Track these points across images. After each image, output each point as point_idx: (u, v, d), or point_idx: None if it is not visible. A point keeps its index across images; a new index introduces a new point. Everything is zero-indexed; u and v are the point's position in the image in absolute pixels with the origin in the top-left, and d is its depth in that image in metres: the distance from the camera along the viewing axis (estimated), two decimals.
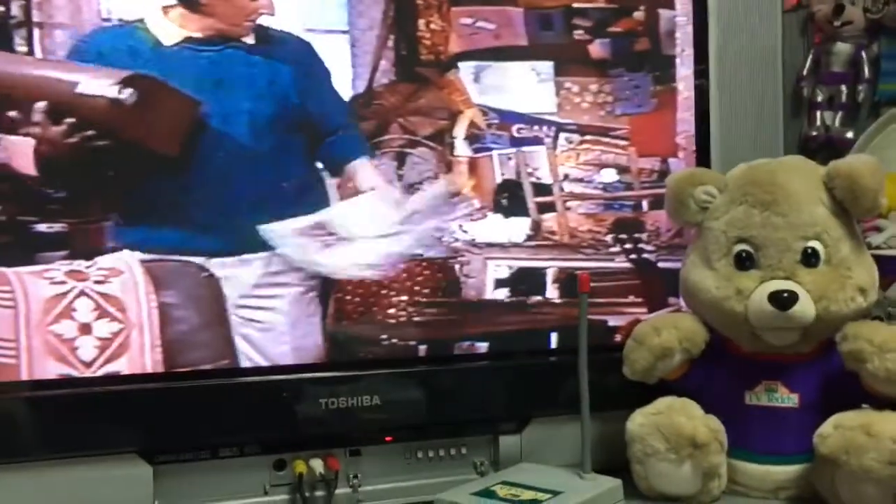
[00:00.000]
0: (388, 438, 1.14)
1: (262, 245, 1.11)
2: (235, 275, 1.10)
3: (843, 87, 1.46)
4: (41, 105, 1.03)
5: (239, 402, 1.10)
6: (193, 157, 1.08)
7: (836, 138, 1.46)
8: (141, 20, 1.06)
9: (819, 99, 1.47)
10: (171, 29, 1.07)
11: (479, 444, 1.16)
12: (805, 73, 1.48)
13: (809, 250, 0.99)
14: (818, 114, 1.48)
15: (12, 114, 1.03)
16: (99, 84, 1.04)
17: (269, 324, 1.12)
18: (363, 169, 1.14)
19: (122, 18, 1.06)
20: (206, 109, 1.07)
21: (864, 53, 1.45)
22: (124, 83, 1.05)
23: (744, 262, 1.01)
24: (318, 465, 1.10)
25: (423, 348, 1.17)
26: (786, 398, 1.02)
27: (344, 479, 1.11)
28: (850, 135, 1.44)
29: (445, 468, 1.15)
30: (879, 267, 1.04)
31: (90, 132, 1.05)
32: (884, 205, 1.03)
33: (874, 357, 0.94)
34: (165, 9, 1.07)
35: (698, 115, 1.21)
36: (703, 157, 1.21)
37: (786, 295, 0.96)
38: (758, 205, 1.00)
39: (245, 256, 1.11)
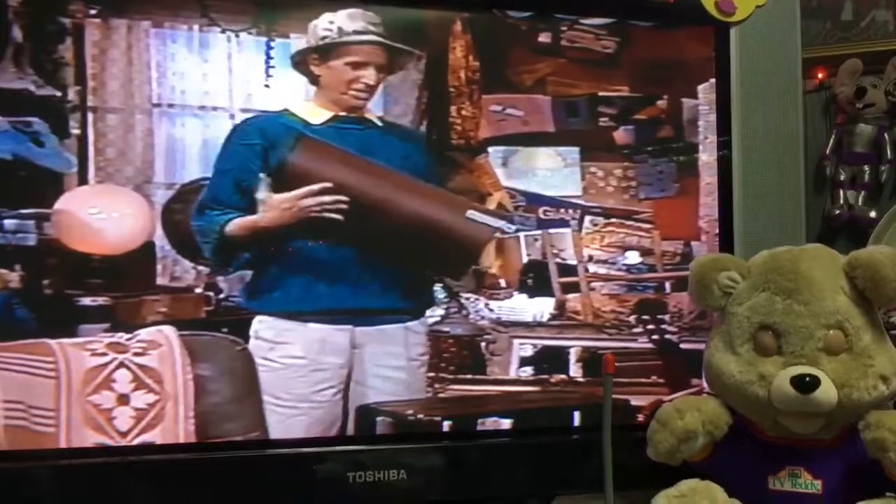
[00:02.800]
0: None
1: None
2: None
3: (866, 167, 1.46)
4: None
5: (267, 474, 1.09)
6: None
7: (858, 217, 1.45)
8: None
9: (842, 178, 1.47)
10: None
11: None
12: (828, 152, 1.48)
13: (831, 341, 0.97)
14: (841, 192, 1.47)
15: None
16: None
17: (300, 397, 1.12)
18: None
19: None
20: None
21: (886, 135, 1.44)
22: None
23: (767, 348, 1.01)
24: None
25: (448, 424, 1.16)
26: (809, 484, 0.99)
27: None
28: (872, 214, 1.43)
29: None
30: None
31: None
32: None
33: None
34: None
35: (721, 194, 1.22)
36: (726, 234, 1.21)
37: (808, 379, 0.95)
38: (780, 292, 0.99)
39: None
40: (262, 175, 1.11)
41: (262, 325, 1.11)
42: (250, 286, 1.11)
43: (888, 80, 1.43)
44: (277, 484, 1.09)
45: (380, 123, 1.15)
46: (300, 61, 1.12)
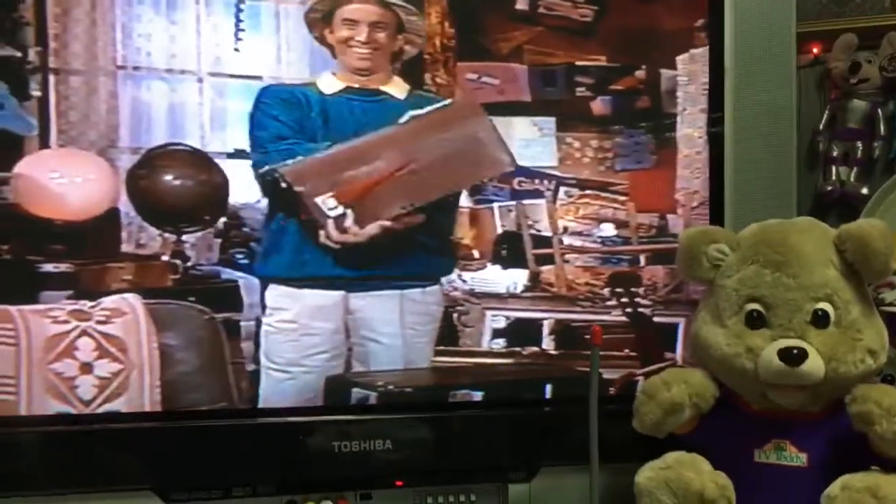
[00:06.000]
0: (398, 483, 1.02)
1: None
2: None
3: (859, 144, 1.32)
4: None
5: (253, 442, 0.99)
6: None
7: (850, 194, 1.31)
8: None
9: (834, 154, 1.33)
10: None
11: (489, 492, 1.04)
12: (821, 128, 1.34)
13: (820, 312, 0.90)
14: (833, 169, 1.33)
15: None
16: None
17: (282, 366, 1.01)
18: None
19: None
20: None
21: (879, 111, 1.31)
22: None
23: (754, 320, 0.91)
24: None
25: (431, 395, 1.05)
26: (794, 457, 0.91)
27: None
28: (864, 191, 1.30)
29: None
30: (891, 324, 0.94)
31: None
32: (894, 268, 0.92)
33: (882, 420, 0.85)
34: None
35: (713, 169, 1.09)
36: (716, 210, 1.09)
37: (795, 352, 0.87)
38: (769, 265, 0.91)
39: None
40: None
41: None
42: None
43: (883, 55, 1.29)
44: (262, 452, 0.98)
45: (401, 97, 1.03)
46: (318, 36, 1.02)
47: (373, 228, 1.00)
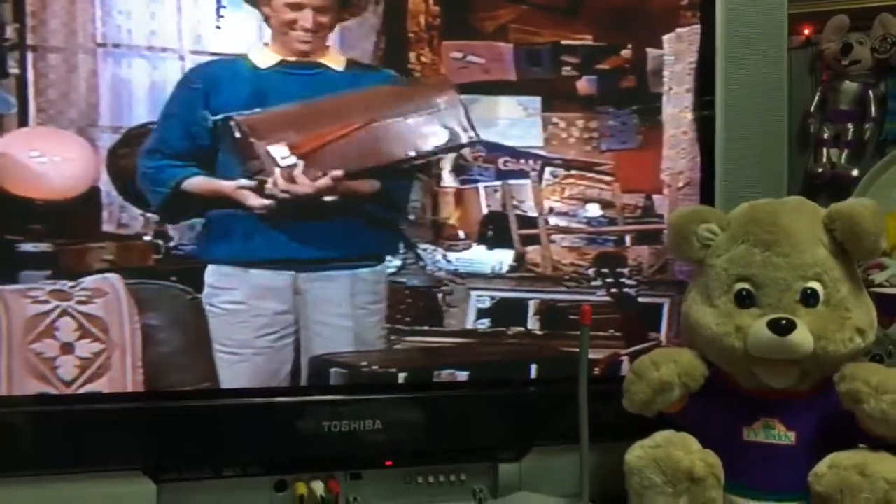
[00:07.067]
0: (388, 463, 1.00)
1: None
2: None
3: (850, 125, 1.28)
4: None
5: (242, 423, 0.96)
6: None
7: (841, 175, 1.28)
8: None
9: (825, 136, 1.30)
10: None
11: (479, 472, 1.02)
12: (812, 109, 1.31)
13: (809, 290, 0.88)
14: (824, 150, 1.30)
15: None
16: None
17: (242, 343, 0.97)
18: None
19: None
20: None
21: (871, 92, 1.27)
22: None
23: (744, 300, 0.90)
24: (318, 487, 0.96)
25: (423, 375, 1.01)
26: (783, 435, 0.89)
27: (344, 502, 0.98)
28: (855, 172, 1.27)
29: (445, 494, 1.01)
30: (881, 305, 0.92)
31: None
32: (883, 247, 0.90)
33: (870, 398, 0.83)
34: None
35: (703, 150, 1.06)
36: (707, 192, 1.06)
37: (784, 322, 0.85)
38: (759, 244, 0.89)
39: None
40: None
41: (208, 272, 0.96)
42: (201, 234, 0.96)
43: (875, 36, 1.25)
44: (251, 433, 0.96)
45: (339, 68, 0.98)
46: (260, 11, 0.96)
47: (323, 181, 0.95)
